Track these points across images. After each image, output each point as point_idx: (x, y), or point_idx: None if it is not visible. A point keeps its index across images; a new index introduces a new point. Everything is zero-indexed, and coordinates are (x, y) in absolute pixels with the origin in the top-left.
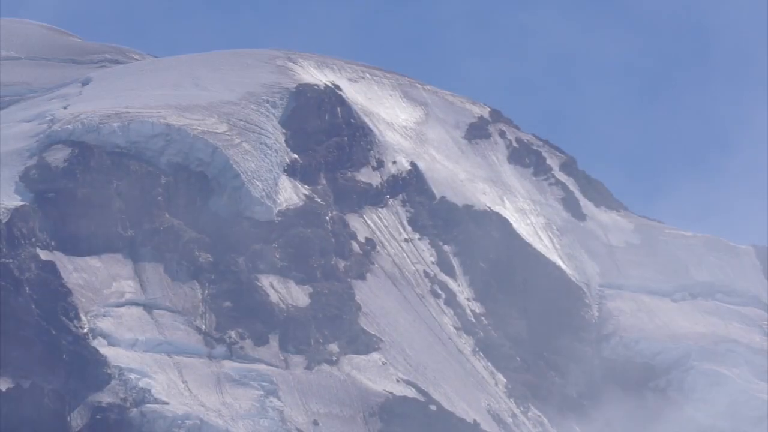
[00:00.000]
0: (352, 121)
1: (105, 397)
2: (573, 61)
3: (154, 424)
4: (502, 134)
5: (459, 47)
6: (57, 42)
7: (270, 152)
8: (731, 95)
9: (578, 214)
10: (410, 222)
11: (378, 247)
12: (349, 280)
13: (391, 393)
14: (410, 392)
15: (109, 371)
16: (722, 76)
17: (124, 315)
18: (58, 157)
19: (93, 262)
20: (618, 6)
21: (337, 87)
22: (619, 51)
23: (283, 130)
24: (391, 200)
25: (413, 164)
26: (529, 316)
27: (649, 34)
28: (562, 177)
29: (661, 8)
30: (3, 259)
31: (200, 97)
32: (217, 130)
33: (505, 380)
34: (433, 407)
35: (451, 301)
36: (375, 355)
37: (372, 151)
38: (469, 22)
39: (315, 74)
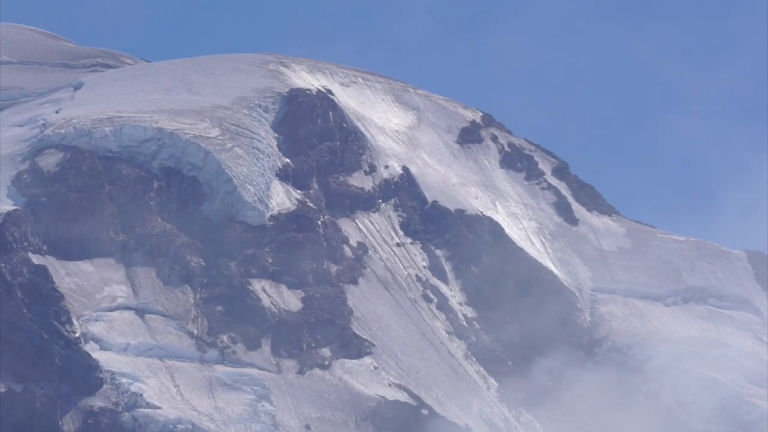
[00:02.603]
0: (344, 125)
1: (97, 402)
2: (566, 64)
3: (146, 428)
4: (494, 138)
5: (451, 51)
6: (49, 46)
7: (262, 157)
8: (728, 93)
9: (570, 219)
10: (402, 226)
11: (370, 252)
12: (341, 284)
13: (383, 397)
14: (402, 396)
15: (101, 375)
16: (720, 75)
17: (116, 319)
18: (50, 161)
19: (85, 266)
20: (611, 3)
21: (330, 91)
22: (613, 53)
23: (276, 135)
24: (383, 205)
25: (405, 169)
26: (521, 320)
27: (644, 26)
28: (554, 181)
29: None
30: None
31: (192, 102)
32: (210, 135)
33: (497, 385)
34: (425, 412)
35: (444, 305)
36: (367, 360)
37: (364, 156)
38: (462, 27)
39: (307, 79)
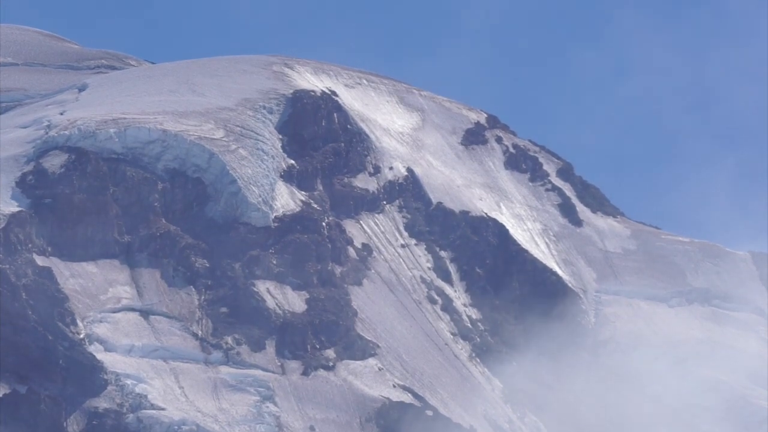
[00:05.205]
0: (348, 127)
1: (102, 403)
2: (570, 65)
3: (151, 429)
4: (498, 140)
5: (455, 52)
6: (54, 48)
7: (267, 158)
8: (727, 92)
9: (575, 220)
10: (407, 228)
11: (374, 253)
12: (345, 285)
13: (388, 398)
14: (407, 398)
15: (105, 377)
16: (717, 74)
17: (121, 321)
18: (54, 163)
19: (89, 267)
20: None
21: (334, 93)
22: (616, 52)
23: (280, 136)
24: (387, 206)
25: (410, 170)
26: (525, 321)
27: (646, 22)
28: (559, 183)
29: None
30: (0, 265)
31: (197, 103)
32: (214, 136)
33: (501, 386)
34: (429, 413)
35: (448, 306)
36: (371, 361)
37: (369, 157)
38: (466, 28)
39: (312, 80)
